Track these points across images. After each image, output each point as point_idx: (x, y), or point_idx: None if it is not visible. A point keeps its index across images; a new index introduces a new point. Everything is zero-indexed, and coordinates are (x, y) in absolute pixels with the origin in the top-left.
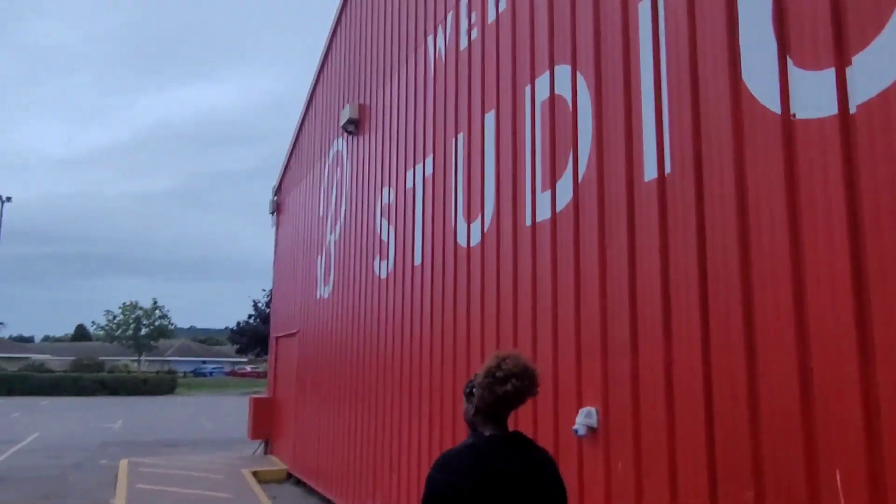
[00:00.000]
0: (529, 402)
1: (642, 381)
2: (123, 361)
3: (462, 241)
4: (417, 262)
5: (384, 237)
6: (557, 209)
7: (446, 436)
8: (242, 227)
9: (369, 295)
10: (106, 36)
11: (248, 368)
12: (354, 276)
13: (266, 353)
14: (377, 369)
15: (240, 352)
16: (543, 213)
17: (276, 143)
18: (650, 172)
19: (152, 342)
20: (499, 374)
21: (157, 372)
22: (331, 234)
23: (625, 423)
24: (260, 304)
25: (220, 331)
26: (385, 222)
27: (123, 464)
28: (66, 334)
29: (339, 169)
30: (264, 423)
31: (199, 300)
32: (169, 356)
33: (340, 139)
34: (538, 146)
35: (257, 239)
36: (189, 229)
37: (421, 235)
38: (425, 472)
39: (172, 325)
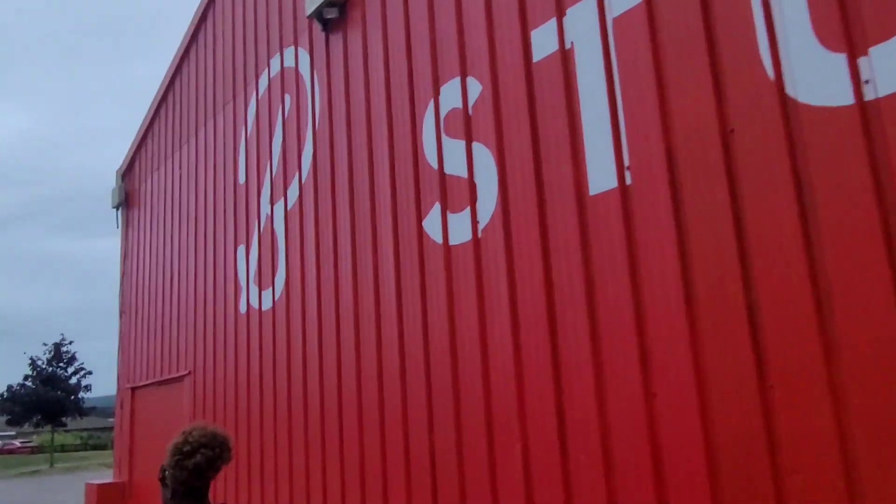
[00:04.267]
0: None
1: None
2: None
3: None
4: (601, 188)
5: (452, 170)
6: None
7: None
8: None
9: (414, 282)
10: None
11: (17, 443)
12: (358, 258)
13: (49, 423)
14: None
15: (11, 423)
16: None
17: (29, 188)
18: None
19: None
20: (186, 448)
21: None
22: (271, 204)
23: None
24: (40, 363)
25: None
26: (454, 145)
27: None
28: None
29: (292, 95)
30: None
31: None
32: None
33: (292, 49)
34: None
35: (11, 293)
36: None
37: (627, 134)
38: None
39: None
